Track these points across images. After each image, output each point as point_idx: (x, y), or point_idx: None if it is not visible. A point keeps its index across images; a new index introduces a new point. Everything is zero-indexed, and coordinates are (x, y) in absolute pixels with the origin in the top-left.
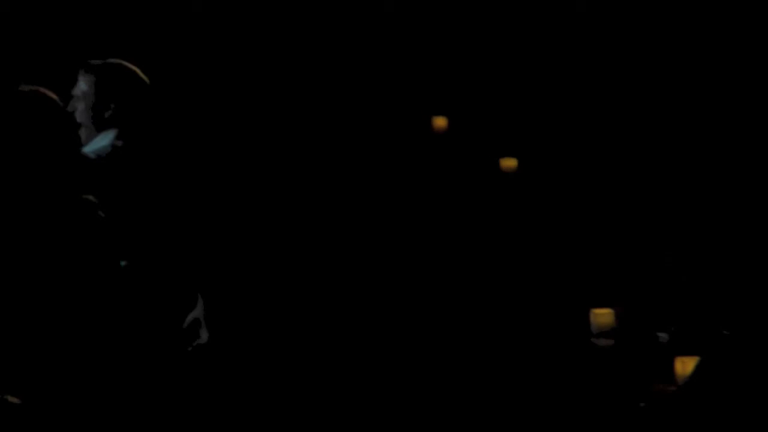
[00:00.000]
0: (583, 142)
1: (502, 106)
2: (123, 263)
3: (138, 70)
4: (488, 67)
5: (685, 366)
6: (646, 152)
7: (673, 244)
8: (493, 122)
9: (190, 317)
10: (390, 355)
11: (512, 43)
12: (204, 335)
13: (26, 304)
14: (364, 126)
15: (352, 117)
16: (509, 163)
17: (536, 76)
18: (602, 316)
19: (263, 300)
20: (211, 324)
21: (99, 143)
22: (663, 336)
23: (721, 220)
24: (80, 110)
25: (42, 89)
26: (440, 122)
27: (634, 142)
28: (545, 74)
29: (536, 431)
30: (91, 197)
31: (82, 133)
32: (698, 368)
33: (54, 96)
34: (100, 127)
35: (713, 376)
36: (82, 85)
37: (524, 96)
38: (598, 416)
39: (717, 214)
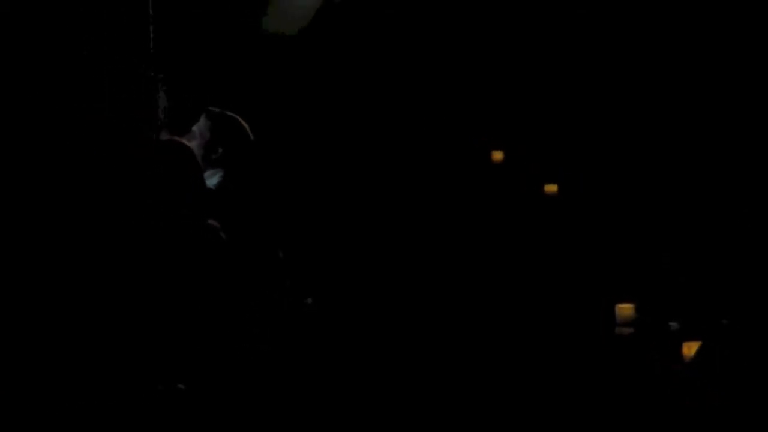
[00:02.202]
0: (593, 145)
1: (504, 105)
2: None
3: (247, 126)
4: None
5: (690, 349)
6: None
7: (673, 245)
8: (490, 118)
9: (307, 301)
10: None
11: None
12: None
13: (168, 310)
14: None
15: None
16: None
17: (538, 77)
18: (625, 309)
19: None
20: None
21: (209, 180)
22: (674, 325)
23: (720, 221)
24: (194, 144)
25: (177, 138)
26: (498, 156)
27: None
28: (546, 74)
29: (570, 403)
30: (214, 222)
31: None
32: (701, 351)
33: (187, 143)
34: (207, 163)
35: (713, 357)
36: (201, 125)
37: (526, 95)
38: (623, 390)
39: (716, 215)
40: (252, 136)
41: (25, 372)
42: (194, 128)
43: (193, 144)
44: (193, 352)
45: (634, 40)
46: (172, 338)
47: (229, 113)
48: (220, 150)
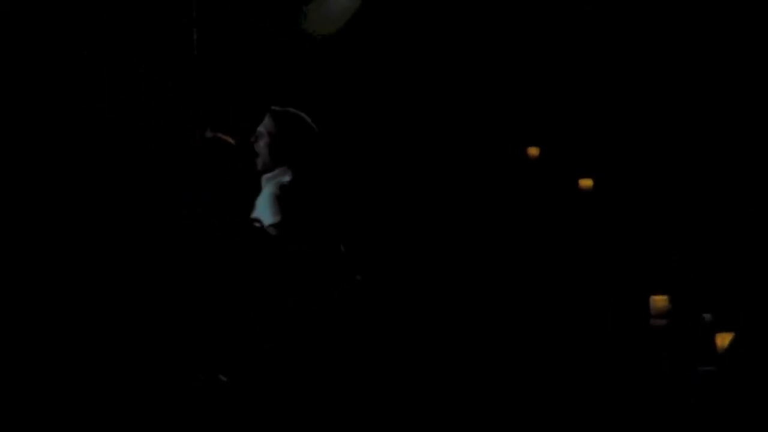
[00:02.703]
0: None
1: (541, 103)
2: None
3: (310, 120)
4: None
5: (723, 340)
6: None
7: (707, 239)
8: (526, 115)
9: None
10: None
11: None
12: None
13: (222, 300)
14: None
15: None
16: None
17: (546, 76)
18: (660, 301)
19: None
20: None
21: (281, 178)
22: (707, 317)
23: (755, 217)
24: (262, 144)
25: (222, 135)
26: (533, 151)
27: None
28: (554, 74)
29: (608, 389)
30: (258, 220)
31: (259, 161)
32: (734, 341)
33: (231, 140)
34: (275, 161)
35: (745, 347)
36: (267, 124)
37: (562, 93)
38: (658, 378)
39: (750, 212)
40: (317, 131)
41: (47, 369)
42: (260, 128)
43: (261, 144)
44: (200, 350)
45: (665, 40)
46: (178, 336)
47: (293, 110)
48: (288, 148)
